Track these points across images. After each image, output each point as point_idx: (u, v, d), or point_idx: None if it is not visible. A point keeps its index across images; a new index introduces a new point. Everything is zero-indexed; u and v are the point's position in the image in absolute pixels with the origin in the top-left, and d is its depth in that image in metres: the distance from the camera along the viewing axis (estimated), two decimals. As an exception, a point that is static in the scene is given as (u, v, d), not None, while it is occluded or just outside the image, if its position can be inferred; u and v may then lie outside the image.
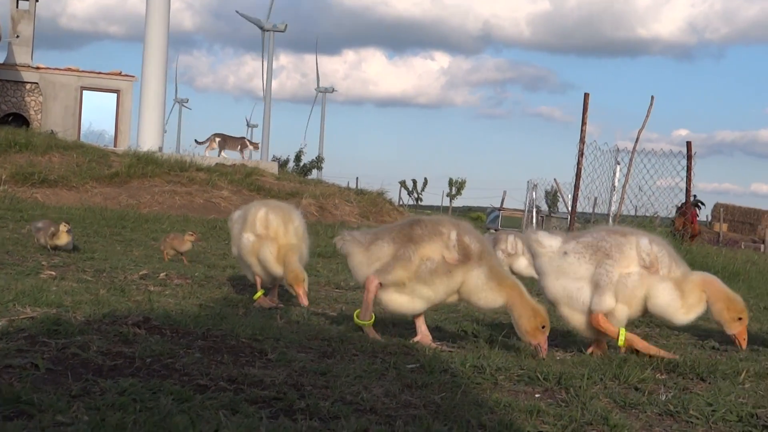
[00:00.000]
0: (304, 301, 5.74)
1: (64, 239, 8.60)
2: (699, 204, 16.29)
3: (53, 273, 6.91)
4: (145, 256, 9.29)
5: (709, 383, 4.18)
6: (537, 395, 3.55)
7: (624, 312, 4.69)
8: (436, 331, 5.38)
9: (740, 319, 4.72)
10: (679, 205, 16.50)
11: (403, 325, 5.56)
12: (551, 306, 4.89)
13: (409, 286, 4.61)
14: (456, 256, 4.58)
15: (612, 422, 3.11)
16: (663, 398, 3.61)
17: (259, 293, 6.36)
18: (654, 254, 4.69)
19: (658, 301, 4.66)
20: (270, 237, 6.17)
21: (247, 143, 30.04)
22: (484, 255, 4.66)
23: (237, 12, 61.20)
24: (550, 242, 4.91)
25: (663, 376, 4.22)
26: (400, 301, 4.70)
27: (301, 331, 4.57)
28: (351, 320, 5.58)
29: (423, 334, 4.79)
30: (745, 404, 3.63)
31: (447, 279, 4.60)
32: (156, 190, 19.17)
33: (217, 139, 29.41)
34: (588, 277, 4.70)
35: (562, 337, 5.48)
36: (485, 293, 4.62)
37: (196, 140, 29.62)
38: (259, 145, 31.22)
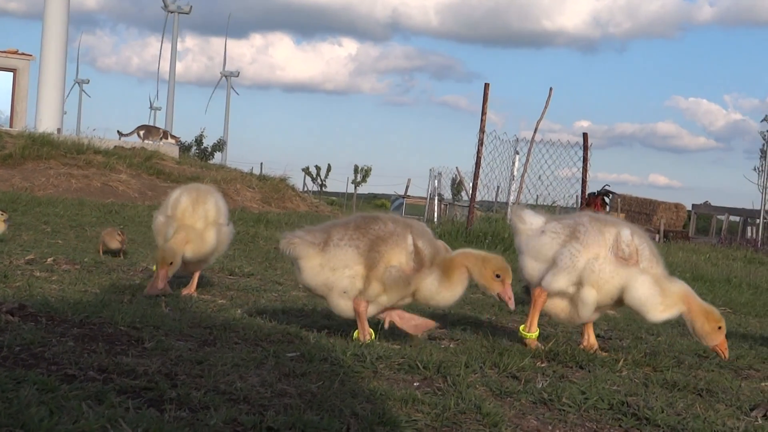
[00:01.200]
0: (159, 285, 5.57)
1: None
2: (608, 194, 16.56)
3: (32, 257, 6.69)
4: (34, 241, 9.05)
5: (588, 371, 4.27)
6: (415, 384, 3.57)
7: (591, 295, 4.67)
8: (325, 318, 5.36)
9: (720, 328, 4.66)
10: (588, 195, 16.79)
11: (294, 312, 5.55)
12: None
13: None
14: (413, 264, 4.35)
15: (485, 411, 3.15)
16: (539, 386, 3.67)
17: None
18: (634, 246, 4.68)
19: (636, 294, 4.63)
20: (176, 217, 6.05)
21: (169, 135, 29.54)
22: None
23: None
24: (532, 220, 4.89)
25: (543, 364, 4.30)
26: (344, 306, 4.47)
27: (185, 318, 4.51)
28: (239, 308, 5.55)
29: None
30: (618, 392, 3.72)
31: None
32: (51, 173, 18.70)
33: (141, 131, 28.84)
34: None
35: (451, 325, 5.53)
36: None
37: (119, 132, 28.98)
38: (180, 139, 30.73)
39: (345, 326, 5.07)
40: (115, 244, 8.48)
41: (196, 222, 6.05)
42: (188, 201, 6.11)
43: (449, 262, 4.43)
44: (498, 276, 4.42)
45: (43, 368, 3.05)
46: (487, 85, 16.41)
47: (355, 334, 4.43)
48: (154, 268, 6.03)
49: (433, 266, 4.41)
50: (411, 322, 4.59)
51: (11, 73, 33.46)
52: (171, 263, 5.67)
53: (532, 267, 4.84)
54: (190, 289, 6.14)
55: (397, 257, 4.34)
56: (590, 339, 5.00)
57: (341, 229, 4.46)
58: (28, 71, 33.77)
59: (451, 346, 4.73)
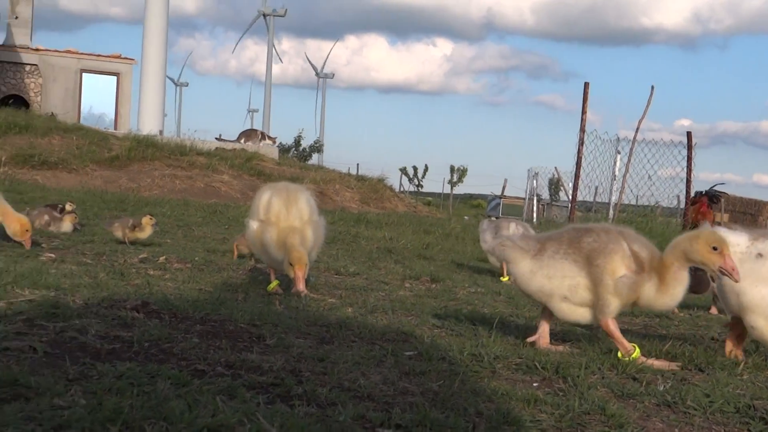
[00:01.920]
0: (300, 286, 5.68)
1: (147, 232, 8.53)
2: (716, 196, 15.99)
3: (53, 255, 6.91)
4: (145, 240, 9.24)
5: (707, 374, 4.18)
6: (535, 384, 3.55)
7: None
8: (435, 318, 5.38)
9: (715, 248, 4.24)
10: (693, 195, 16.36)
11: (402, 311, 5.58)
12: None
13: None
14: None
15: (609, 412, 3.12)
16: (661, 389, 3.62)
17: (274, 283, 6.19)
18: None
19: None
20: (271, 221, 6.04)
21: (267, 137, 30.08)
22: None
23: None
24: (736, 240, 4.50)
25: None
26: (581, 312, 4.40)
27: (300, 317, 4.58)
28: (349, 306, 5.61)
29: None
30: (742, 395, 3.64)
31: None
32: (156, 174, 19.18)
33: (242, 139, 29.48)
34: None
35: (560, 326, 5.48)
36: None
37: (219, 138, 29.67)
38: (276, 140, 31.26)
39: (456, 326, 5.08)
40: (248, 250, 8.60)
41: (292, 223, 6.04)
42: (280, 203, 6.09)
43: (661, 262, 4.34)
44: (715, 248, 4.22)
45: (174, 363, 3.14)
46: (586, 84, 16.23)
47: (619, 354, 4.29)
48: (272, 285, 6.12)
49: (651, 270, 4.28)
50: None
51: (115, 77, 34.42)
52: (306, 264, 5.75)
53: (752, 295, 4.43)
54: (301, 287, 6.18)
55: (620, 266, 4.25)
56: None
57: (555, 242, 4.44)
58: (130, 75, 34.68)
59: (566, 348, 4.68)
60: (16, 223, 7.23)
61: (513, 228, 9.53)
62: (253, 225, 6.21)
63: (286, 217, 6.02)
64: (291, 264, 5.75)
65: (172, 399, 2.52)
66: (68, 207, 9.46)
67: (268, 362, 3.27)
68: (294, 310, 5.01)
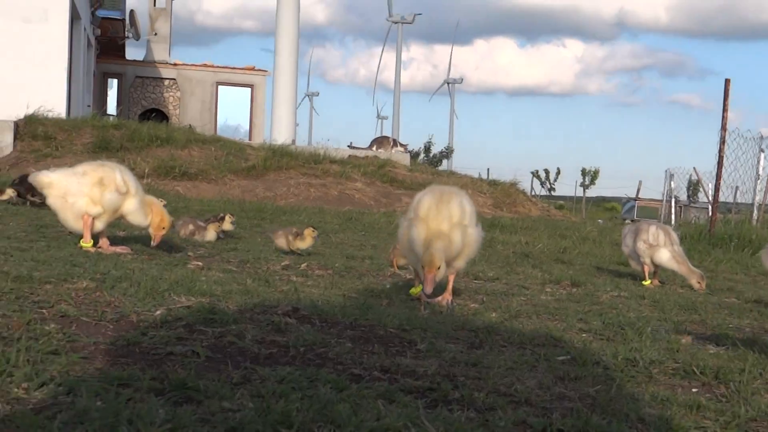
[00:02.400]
0: (428, 289, 5.41)
1: (308, 243, 8.70)
2: None
3: (200, 264, 7.11)
4: (304, 250, 9.34)
5: None
6: (694, 389, 3.46)
7: None
8: (580, 322, 5.30)
9: None
10: None
11: (546, 316, 5.51)
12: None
13: None
14: None
15: (778, 419, 3.00)
16: (830, 395, 3.46)
17: (418, 288, 6.03)
18: None
19: None
20: (420, 218, 5.82)
21: (398, 144, 30.42)
22: None
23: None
24: None
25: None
26: None
27: (447, 321, 4.59)
28: (493, 311, 5.59)
29: None
30: None
31: None
32: (291, 182, 19.55)
33: (374, 146, 29.94)
34: None
35: (714, 329, 5.33)
36: None
37: (351, 146, 30.20)
38: (407, 147, 31.60)
39: (603, 330, 4.99)
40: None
41: (440, 223, 5.79)
42: (432, 202, 5.87)
43: None
44: None
45: (330, 368, 3.18)
46: (727, 81, 15.71)
47: None
48: (415, 290, 6.04)
49: None
50: None
51: (249, 89, 35.28)
52: (439, 267, 5.47)
53: None
54: (446, 294, 6.11)
55: None
56: None
57: None
58: (264, 86, 35.48)
59: (721, 351, 4.53)
60: (157, 216, 7.47)
61: (653, 231, 9.30)
62: (404, 222, 6.08)
63: (435, 216, 5.79)
64: (423, 265, 5.53)
65: (335, 403, 2.56)
66: (228, 218, 9.71)
67: (422, 367, 3.28)
68: (439, 315, 5.02)
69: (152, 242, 7.45)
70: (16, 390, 2.48)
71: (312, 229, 8.73)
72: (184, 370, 2.90)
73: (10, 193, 11.25)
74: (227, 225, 9.66)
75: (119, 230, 9.09)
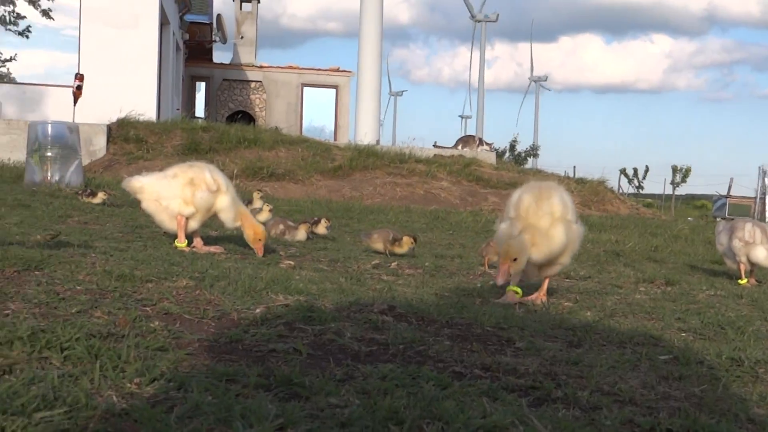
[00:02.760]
0: (499, 279, 5.27)
1: (405, 248, 8.68)
2: None
3: (291, 263, 7.19)
4: (402, 254, 9.36)
5: None
6: (804, 390, 3.36)
7: None
8: (678, 321, 5.21)
9: None
10: None
11: (643, 315, 5.43)
12: None
13: None
14: None
15: None
16: None
17: (515, 289, 5.78)
18: None
19: None
20: (521, 217, 5.64)
21: (484, 143, 30.38)
22: None
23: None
24: None
25: None
26: None
27: (543, 320, 4.56)
28: (588, 310, 5.53)
29: None
30: None
31: None
32: (377, 182, 19.63)
33: (459, 145, 29.97)
34: None
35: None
36: None
37: (436, 145, 30.26)
38: (493, 145, 31.49)
39: (703, 329, 4.90)
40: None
41: (540, 220, 5.57)
42: (530, 198, 5.65)
43: None
44: None
45: (431, 365, 3.19)
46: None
47: None
48: (514, 289, 5.87)
49: None
50: None
51: (333, 90, 35.53)
52: (515, 259, 5.30)
53: None
54: (540, 293, 5.90)
55: None
56: None
57: None
58: (348, 87, 35.71)
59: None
60: (250, 230, 7.56)
61: (749, 228, 9.08)
62: (502, 225, 5.84)
63: (535, 212, 5.58)
64: (499, 255, 5.37)
65: (440, 400, 2.56)
66: (323, 222, 9.82)
67: (523, 365, 3.26)
68: (534, 314, 4.99)
69: (258, 254, 7.52)
70: (128, 385, 2.54)
71: (411, 238, 8.70)
72: (288, 366, 2.94)
73: (102, 196, 11.53)
74: (321, 229, 9.74)
75: (212, 230, 9.25)
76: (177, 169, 7.55)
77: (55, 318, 3.40)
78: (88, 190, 11.81)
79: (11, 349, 2.77)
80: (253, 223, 7.57)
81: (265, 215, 10.35)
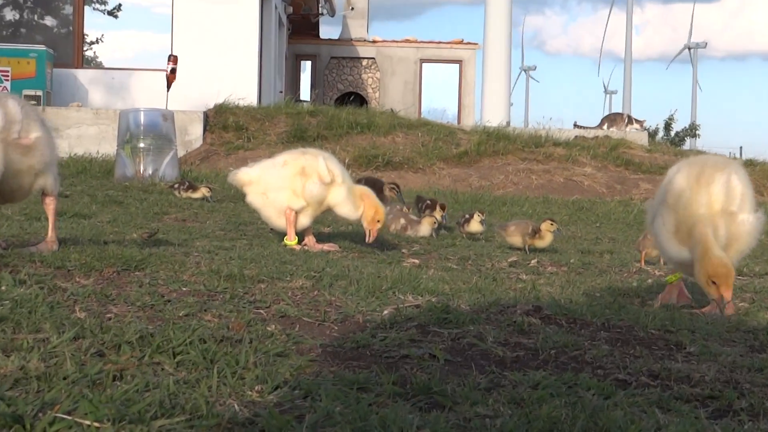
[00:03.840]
0: (730, 310, 4.90)
1: (548, 240, 8.62)
2: None
3: (416, 261, 7.24)
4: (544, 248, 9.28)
5: None
6: None
7: None
8: None
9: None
10: None
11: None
12: None
13: None
14: None
15: None
16: None
17: (675, 276, 5.58)
18: None
19: None
20: (668, 204, 5.23)
21: (634, 120, 29.93)
22: None
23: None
24: None
25: None
26: None
27: (716, 322, 4.46)
28: (764, 311, 5.39)
29: None
30: None
31: None
32: (509, 169, 19.55)
33: (605, 124, 29.63)
34: None
35: None
36: None
37: (577, 124, 29.96)
38: (644, 123, 30.98)
39: None
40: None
41: (697, 210, 5.04)
42: (685, 183, 5.16)
43: None
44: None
45: (589, 372, 3.17)
46: None
47: None
48: (669, 278, 5.76)
49: None
50: None
51: (457, 65, 35.46)
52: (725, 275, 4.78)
53: None
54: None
55: None
56: None
57: None
58: (474, 62, 35.57)
59: None
60: (371, 209, 7.54)
61: None
62: (650, 209, 5.61)
63: (688, 203, 5.10)
64: (713, 280, 4.79)
65: (605, 410, 2.54)
66: (476, 217, 9.59)
67: (697, 372, 3.21)
68: (704, 315, 4.90)
69: (367, 238, 7.55)
70: (250, 392, 2.60)
71: (550, 222, 8.59)
72: (425, 373, 2.96)
73: (204, 191, 11.74)
74: (475, 225, 9.51)
75: (323, 226, 9.38)
76: (288, 156, 7.62)
77: (163, 321, 3.50)
78: (187, 183, 12.06)
79: (119, 354, 2.87)
80: (376, 203, 7.59)
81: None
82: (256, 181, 7.49)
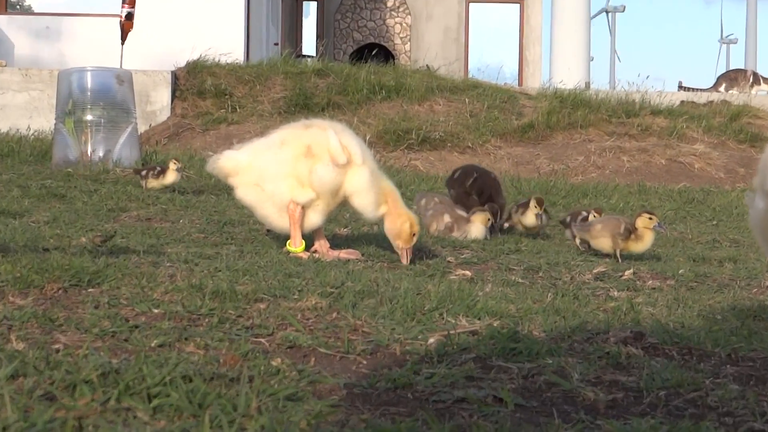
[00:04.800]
0: None
1: (647, 242, 8.54)
2: None
3: (467, 273, 7.24)
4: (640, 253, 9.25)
5: None
6: None
7: None
8: None
9: None
10: None
11: None
12: None
13: None
14: None
15: None
16: None
17: None
18: None
19: None
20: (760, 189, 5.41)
21: (761, 80, 29.75)
22: None
23: None
24: None
25: None
26: None
27: None
28: None
29: None
30: None
31: None
32: (591, 148, 19.52)
33: (722, 85, 29.46)
34: None
35: None
36: None
37: (682, 86, 29.76)
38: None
39: None
40: None
41: None
42: None
43: None
44: None
45: (714, 420, 3.18)
46: None
47: None
48: None
49: None
50: None
51: (517, 6, 35.39)
52: None
53: None
54: None
55: None
56: None
57: None
58: (539, 3, 35.48)
59: None
60: (399, 219, 7.28)
61: None
62: (759, 203, 5.61)
63: None
64: None
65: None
66: (533, 207, 9.62)
67: None
68: None
69: (403, 259, 7.41)
70: (254, 449, 2.62)
71: (648, 215, 8.50)
72: (490, 423, 2.98)
73: (173, 171, 11.51)
74: (530, 218, 9.48)
75: (339, 226, 9.40)
76: (286, 133, 7.46)
77: (130, 354, 3.54)
78: (158, 168, 11.83)
79: (76, 398, 2.89)
80: (405, 210, 7.49)
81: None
82: (246, 169, 7.32)
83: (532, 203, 9.59)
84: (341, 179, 7.34)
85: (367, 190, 7.42)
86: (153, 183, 11.61)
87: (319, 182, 7.24)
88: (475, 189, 10.18)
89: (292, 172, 7.25)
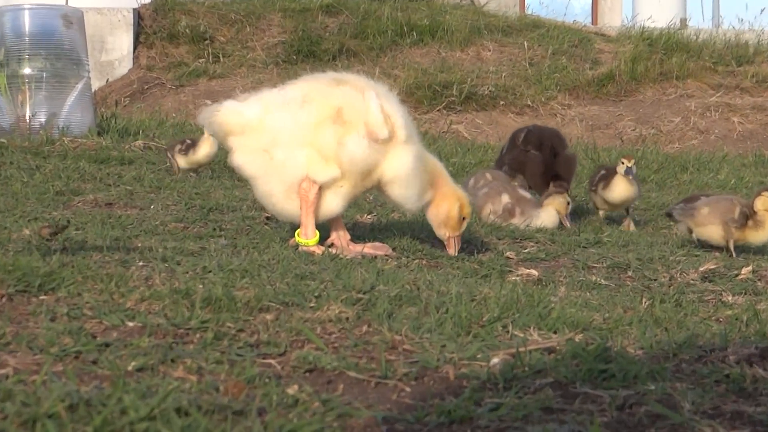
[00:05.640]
0: None
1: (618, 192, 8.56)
2: None
3: (534, 272, 7.23)
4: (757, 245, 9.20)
5: None
6: None
7: None
8: None
9: None
10: None
11: None
12: None
13: None
14: None
15: None
16: None
17: None
18: None
19: None
20: None
21: None
22: None
23: None
24: None
25: None
26: None
27: None
28: None
29: None
30: None
31: None
32: (690, 106, 19.49)
33: None
34: None
35: None
36: None
37: None
38: None
39: None
40: None
41: None
42: None
43: None
44: None
45: None
46: None
47: None
48: None
49: None
50: None
51: None
52: None
53: None
54: None
55: None
56: None
57: None
58: None
59: None
60: (448, 201, 7.31)
61: None
62: None
63: None
64: None
65: None
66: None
67: None
68: None
69: (450, 249, 7.37)
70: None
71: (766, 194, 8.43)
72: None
73: (208, 141, 10.99)
74: (620, 188, 9.51)
75: (360, 213, 9.34)
76: (309, 87, 7.14)
77: (102, 380, 3.56)
78: (187, 141, 11.32)
79: (38, 437, 2.92)
80: (453, 188, 7.41)
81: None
82: (254, 127, 7.08)
83: (620, 165, 9.54)
84: (378, 159, 7.21)
85: (412, 178, 7.34)
86: (181, 161, 11.22)
87: (349, 159, 7.09)
88: (532, 143, 10.14)
89: (313, 140, 7.07)
